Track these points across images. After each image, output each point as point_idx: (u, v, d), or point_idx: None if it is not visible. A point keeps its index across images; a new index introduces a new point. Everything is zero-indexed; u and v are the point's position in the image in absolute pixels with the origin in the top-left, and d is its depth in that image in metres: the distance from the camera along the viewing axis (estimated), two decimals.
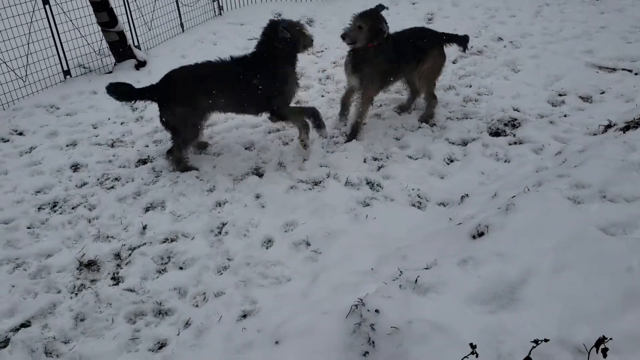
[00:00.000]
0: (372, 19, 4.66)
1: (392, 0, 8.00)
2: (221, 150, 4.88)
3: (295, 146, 4.85)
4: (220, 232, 3.98)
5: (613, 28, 6.93)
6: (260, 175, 4.57)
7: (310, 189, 4.37)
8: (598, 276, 2.70)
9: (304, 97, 5.69)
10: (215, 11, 7.56)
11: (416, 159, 4.73)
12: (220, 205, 4.25)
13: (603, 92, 5.52)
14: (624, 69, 5.93)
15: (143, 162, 4.81)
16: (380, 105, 5.46)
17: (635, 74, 5.85)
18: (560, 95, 5.51)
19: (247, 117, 5.31)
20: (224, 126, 5.20)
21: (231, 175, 4.56)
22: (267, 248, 3.80)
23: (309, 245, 3.77)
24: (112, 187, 4.49)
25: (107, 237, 3.98)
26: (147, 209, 4.25)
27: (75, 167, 4.77)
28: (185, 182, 4.49)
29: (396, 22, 7.30)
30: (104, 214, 4.18)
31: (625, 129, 4.15)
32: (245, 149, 4.91)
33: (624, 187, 3.27)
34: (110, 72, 6.18)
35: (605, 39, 6.62)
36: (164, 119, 4.50)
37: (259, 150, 4.89)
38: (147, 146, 5.01)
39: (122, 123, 5.35)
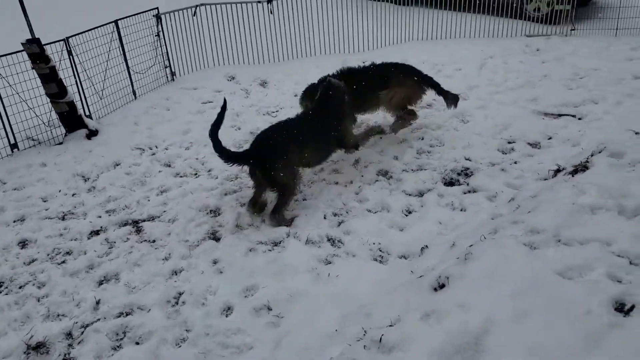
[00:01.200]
0: (313, 95, 5.32)
1: (344, 60, 8.21)
2: (176, 216, 4.78)
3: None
4: (177, 302, 3.84)
5: (554, 76, 7.25)
6: (217, 240, 4.48)
7: (270, 250, 4.30)
8: (558, 321, 2.69)
9: None
10: (167, 77, 7.61)
11: (375, 212, 4.73)
12: (176, 274, 4.12)
13: (550, 138, 5.71)
14: (567, 115, 6.17)
15: (96, 233, 4.67)
16: (337, 161, 5.49)
17: (579, 118, 6.09)
18: (509, 142, 5.67)
19: (202, 181, 5.26)
20: (178, 191, 5.13)
21: (187, 242, 4.46)
22: (226, 316, 3.68)
23: (271, 309, 3.66)
24: (63, 262, 4.32)
25: (58, 315, 3.79)
26: (100, 283, 4.09)
27: (23, 244, 4.58)
28: (140, 251, 4.36)
29: None
30: (54, 291, 4.00)
31: (574, 172, 4.27)
32: (201, 213, 4.83)
33: (576, 230, 3.33)
34: (61, 143, 6.07)
35: (548, 87, 6.92)
36: (273, 178, 4.57)
37: (215, 214, 4.81)
38: (100, 217, 4.88)
39: (73, 195, 5.22)
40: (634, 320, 2.66)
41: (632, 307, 2.77)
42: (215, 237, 4.54)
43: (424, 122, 6.18)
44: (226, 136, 6.07)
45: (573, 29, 8.98)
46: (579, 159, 4.48)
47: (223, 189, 5.14)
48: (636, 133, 5.05)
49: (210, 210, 4.88)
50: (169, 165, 5.65)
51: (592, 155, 4.32)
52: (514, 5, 9.69)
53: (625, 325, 2.65)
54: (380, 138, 5.78)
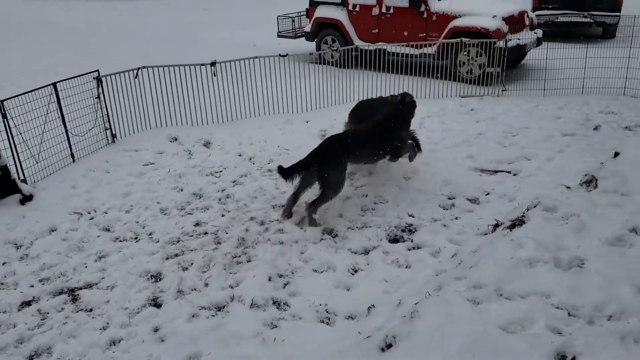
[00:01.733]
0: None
1: (287, 120, 8.34)
2: (115, 283, 4.59)
3: (196, 269, 4.70)
4: None
5: (489, 134, 7.58)
6: (159, 306, 4.31)
7: (214, 316, 4.17)
8: None
9: (202, 217, 5.59)
10: (108, 139, 7.47)
11: (321, 272, 4.70)
12: (114, 344, 3.91)
13: (488, 194, 5.91)
14: (503, 171, 6.43)
15: (27, 304, 4.41)
16: (281, 221, 5.47)
17: (514, 174, 6.35)
18: (449, 199, 5.83)
19: (142, 245, 5.11)
20: (117, 256, 4.94)
21: (127, 309, 4.27)
22: None
23: None
24: None
25: None
26: (30, 358, 3.82)
27: None
28: (76, 321, 4.14)
29: (292, 139, 7.60)
30: None
31: (512, 227, 4.40)
32: (141, 278, 4.65)
33: (516, 284, 3.40)
34: None
35: (484, 145, 7.22)
36: (328, 175, 5.34)
37: (156, 279, 4.65)
38: (33, 286, 4.61)
39: (3, 264, 4.94)
40: None
41: (573, 359, 2.82)
42: (156, 303, 4.37)
43: (368, 180, 6.28)
44: (167, 197, 5.98)
45: (504, 90, 9.50)
46: (516, 213, 4.64)
47: (164, 253, 5.00)
48: (567, 187, 5.29)
49: (151, 276, 4.71)
50: (108, 230, 5.46)
51: (527, 210, 4.48)
52: (449, 68, 10.20)
53: None
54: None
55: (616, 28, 13.74)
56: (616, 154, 5.70)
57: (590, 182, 5.01)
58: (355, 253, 4.95)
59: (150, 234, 5.36)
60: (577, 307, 3.22)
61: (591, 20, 13.63)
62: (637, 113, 8.21)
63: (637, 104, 8.67)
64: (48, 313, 4.28)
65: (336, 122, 8.25)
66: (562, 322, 3.10)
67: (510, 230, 4.30)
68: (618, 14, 13.42)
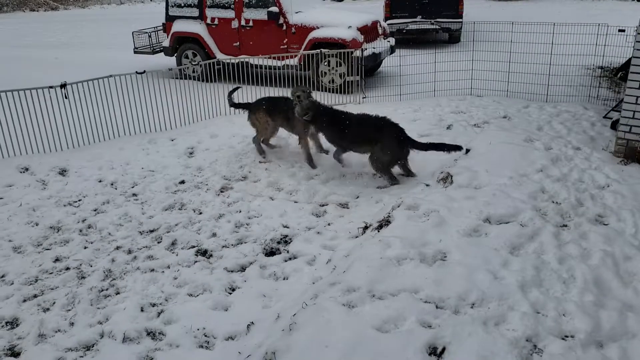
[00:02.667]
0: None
1: (151, 139, 8.01)
2: None
3: (59, 308, 4.33)
4: None
5: None
6: (17, 355, 3.89)
7: (82, 357, 3.85)
8: None
9: (62, 252, 5.16)
10: None
11: (197, 295, 4.53)
12: None
13: (357, 197, 6.10)
14: (367, 174, 6.68)
15: None
16: (151, 247, 5.21)
17: (380, 176, 6.62)
18: (321, 205, 5.93)
19: None
20: None
21: None
22: None
23: None
24: None
25: None
26: None
27: None
28: None
29: (157, 159, 7.31)
30: None
31: (379, 227, 4.58)
32: None
33: (387, 283, 3.53)
34: None
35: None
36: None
37: (12, 325, 4.21)
38: None
39: None
40: None
41: (443, 349, 2.98)
42: (13, 352, 3.94)
43: (240, 195, 6.20)
44: (21, 234, 5.46)
45: (364, 97, 9.91)
46: (382, 214, 4.83)
47: (21, 295, 4.54)
48: (427, 185, 5.63)
49: (6, 322, 4.25)
50: None
51: (392, 210, 4.69)
52: (312, 78, 10.44)
53: None
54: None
55: (460, 33, 14.97)
56: (467, 151, 6.17)
57: (446, 178, 5.37)
58: (232, 271, 4.85)
59: (2, 276, 4.84)
60: (444, 299, 3.41)
61: (438, 27, 14.72)
62: (483, 111, 8.96)
63: (482, 102, 9.46)
64: None
65: (203, 138, 8.10)
66: (431, 315, 3.27)
67: (378, 231, 4.47)
68: (460, 20, 14.63)
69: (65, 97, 7.57)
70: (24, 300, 4.51)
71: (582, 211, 4.80)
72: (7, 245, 5.29)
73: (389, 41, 11.66)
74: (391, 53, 11.50)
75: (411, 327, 3.15)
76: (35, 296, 4.56)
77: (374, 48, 10.78)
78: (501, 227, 4.35)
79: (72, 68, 12.32)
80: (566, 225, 4.56)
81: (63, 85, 7.53)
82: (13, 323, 4.26)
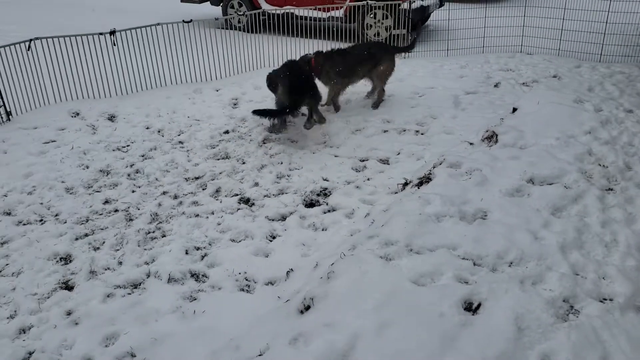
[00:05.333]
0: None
1: (196, 89, 8.12)
2: (21, 269, 4.35)
3: (109, 248, 4.55)
4: None
5: (398, 96, 7.76)
6: (70, 289, 4.14)
7: (130, 294, 4.07)
8: (417, 327, 2.85)
9: (112, 195, 5.38)
10: (2, 117, 6.96)
11: (239, 241, 4.69)
12: (24, 332, 3.73)
13: (398, 153, 6.09)
14: (411, 130, 6.64)
15: None
16: (196, 193, 5.38)
17: (422, 133, 6.57)
18: (362, 160, 5.96)
19: (49, 227, 4.86)
20: (22, 241, 4.67)
21: (35, 295, 4.07)
22: None
23: (134, 356, 3.45)
24: None
25: None
26: None
27: None
28: None
29: (202, 109, 7.43)
30: None
31: (419, 184, 4.59)
32: (50, 262, 4.45)
33: (425, 238, 3.57)
34: None
35: (393, 106, 7.38)
36: None
37: (66, 261, 4.47)
38: None
39: None
40: (481, 318, 2.90)
41: (479, 305, 3.03)
42: (67, 286, 4.19)
43: (282, 148, 6.28)
44: (73, 176, 5.70)
45: (410, 51, 9.72)
46: (423, 171, 4.83)
47: (73, 234, 4.78)
48: (470, 144, 5.56)
49: (61, 258, 4.51)
50: (9, 214, 5.14)
51: (434, 167, 4.68)
52: (357, 31, 10.27)
53: (474, 323, 2.88)
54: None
55: None
56: (514, 110, 6.04)
57: (491, 137, 5.29)
58: (273, 220, 4.97)
59: (56, 215, 5.10)
60: (482, 257, 3.44)
61: None
62: (533, 70, 8.70)
63: (532, 60, 9.17)
64: None
65: (248, 89, 8.16)
66: (468, 271, 3.31)
67: (419, 188, 4.48)
68: None
69: (114, 45, 7.70)
70: (76, 239, 4.75)
71: (629, 175, 4.68)
72: (60, 186, 5.54)
73: None
74: (440, 6, 11.18)
75: (447, 282, 3.20)
76: (86, 235, 4.80)
77: (422, 1, 10.49)
78: (544, 188, 4.30)
79: (118, 15, 12.44)
80: (612, 189, 4.47)
81: (112, 32, 7.65)
82: (67, 259, 4.51)
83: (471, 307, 3.02)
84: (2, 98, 6.94)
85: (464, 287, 3.16)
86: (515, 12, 9.48)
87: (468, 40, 9.64)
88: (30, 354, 3.55)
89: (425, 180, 4.53)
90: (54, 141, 6.51)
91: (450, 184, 4.29)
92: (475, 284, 3.20)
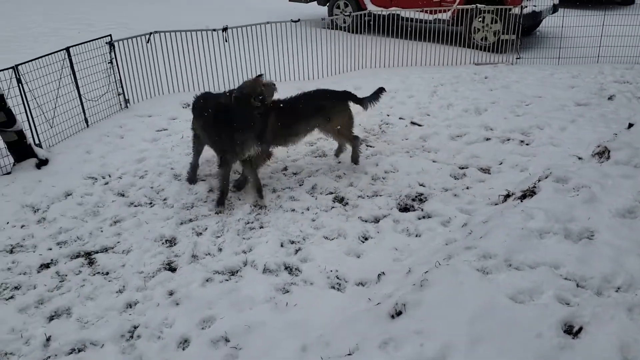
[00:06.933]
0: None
1: (298, 87, 8.30)
2: (130, 247, 4.69)
3: (210, 234, 4.79)
4: (132, 336, 3.74)
5: (502, 103, 7.54)
6: (173, 270, 4.41)
7: (227, 280, 4.26)
8: (511, 345, 2.77)
9: (215, 184, 5.65)
10: (121, 104, 7.51)
11: (332, 239, 4.76)
12: (131, 307, 4.02)
13: (501, 163, 5.91)
14: (515, 140, 6.42)
15: (46, 266, 4.52)
16: (293, 188, 5.52)
17: (527, 144, 6.33)
18: (461, 168, 5.84)
19: (157, 210, 5.19)
20: (132, 221, 5.03)
21: (142, 273, 4.37)
22: (183, 349, 3.61)
23: (228, 341, 3.62)
24: (12, 297, 4.15)
25: (6, 354, 3.62)
26: (51, 318, 3.94)
27: None
28: (93, 284, 4.25)
29: None
30: (1, 328, 3.83)
31: (522, 197, 4.43)
32: (156, 243, 4.75)
33: (526, 254, 3.45)
34: (9, 173, 5.87)
35: (497, 114, 7.18)
36: None
37: (171, 244, 4.75)
38: (51, 249, 4.72)
39: (22, 227, 5.04)
40: (582, 343, 2.77)
41: (580, 329, 2.89)
42: (171, 267, 4.46)
43: (378, 149, 6.29)
44: (181, 163, 6.03)
45: (518, 58, 9.38)
46: (527, 184, 4.66)
47: (178, 218, 5.08)
48: (579, 158, 5.29)
49: (166, 240, 4.81)
50: (123, 195, 5.55)
51: (539, 181, 4.50)
52: (462, 34, 10.06)
53: (575, 347, 2.76)
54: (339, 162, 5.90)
55: None
56: (630, 125, 5.66)
57: (602, 153, 5.00)
58: (366, 221, 5.01)
59: (164, 200, 5.44)
60: (586, 278, 3.27)
61: None
62: None
63: None
64: (66, 275, 4.39)
65: (347, 89, 8.23)
66: (570, 292, 3.16)
67: (521, 201, 4.33)
68: None
69: (226, 41, 8.06)
70: (181, 223, 5.04)
71: None
72: (169, 172, 5.89)
73: None
74: (553, 12, 10.69)
75: (547, 302, 3.07)
76: (190, 220, 5.07)
77: (534, 6, 10.09)
78: None
79: (228, 12, 12.97)
80: None
81: (224, 29, 8.01)
82: (171, 242, 4.79)
83: (572, 330, 2.89)
84: (122, 87, 7.48)
85: (565, 308, 3.03)
86: (636, 21, 8.87)
87: (582, 49, 9.15)
88: (135, 327, 3.82)
89: (529, 193, 4.37)
90: (166, 129, 6.92)
91: (555, 199, 4.11)
92: (578, 306, 3.05)
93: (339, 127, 5.75)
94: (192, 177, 5.68)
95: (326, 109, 5.68)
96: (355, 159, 5.98)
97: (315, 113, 5.65)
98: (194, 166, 5.70)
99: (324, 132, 5.88)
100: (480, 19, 9.97)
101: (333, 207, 5.23)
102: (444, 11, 10.11)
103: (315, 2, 12.62)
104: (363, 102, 5.94)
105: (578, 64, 9.15)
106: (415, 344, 2.88)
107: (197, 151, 5.68)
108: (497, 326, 2.90)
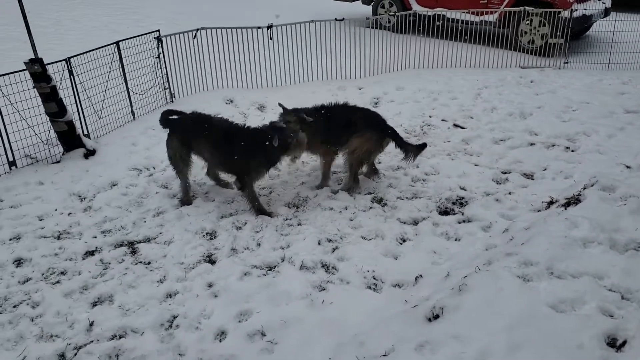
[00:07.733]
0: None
1: (340, 86, 8.33)
2: (172, 239, 4.79)
3: (250, 229, 4.85)
4: (171, 326, 3.83)
5: (548, 108, 7.38)
6: (213, 263, 4.49)
7: (265, 275, 4.32)
8: (551, 355, 2.73)
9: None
10: (167, 98, 7.67)
11: (370, 239, 4.76)
12: (171, 297, 4.12)
13: (545, 169, 5.79)
14: (560, 146, 6.28)
15: (91, 253, 4.67)
16: (331, 188, 5.54)
17: (572, 151, 6.19)
18: (504, 173, 5.75)
19: (199, 204, 5.28)
20: (175, 213, 5.14)
21: (182, 264, 4.47)
22: (220, 341, 3.67)
23: (264, 335, 3.67)
24: (58, 282, 4.31)
25: (51, 336, 3.77)
26: (94, 304, 4.08)
27: (18, 262, 4.56)
28: (135, 273, 4.36)
29: None
30: (48, 311, 3.98)
31: (566, 205, 4.34)
32: (197, 235, 4.84)
33: (569, 263, 3.38)
34: (59, 162, 6.08)
35: (542, 118, 7.04)
36: None
37: (211, 237, 4.83)
38: (96, 237, 4.88)
39: (69, 214, 5.22)
40: (626, 356, 2.70)
41: (624, 343, 2.82)
42: (210, 260, 4.55)
43: None
44: None
45: (566, 62, 9.16)
46: (572, 191, 4.56)
47: (219, 212, 5.17)
48: (627, 167, 5.14)
49: (207, 233, 4.90)
50: (166, 187, 5.67)
51: (584, 189, 4.40)
52: (509, 37, 9.88)
53: None
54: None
55: None
56: None
57: None
58: (404, 223, 4.98)
59: (206, 193, 5.54)
60: (632, 291, 3.18)
61: None
62: None
63: None
64: (109, 263, 4.52)
65: (390, 89, 8.20)
66: (614, 304, 3.08)
67: (565, 209, 4.24)
68: None
69: (270, 38, 8.13)
70: (222, 217, 5.12)
71: None
72: None
73: (603, 3, 10.51)
74: (604, 16, 10.38)
75: (590, 313, 3.00)
76: (231, 215, 5.15)
77: (585, 9, 9.81)
78: None
79: (278, 10, 13.07)
80: None
81: (269, 27, 8.08)
82: (212, 235, 4.88)
83: (615, 343, 2.82)
84: (168, 81, 7.64)
85: (608, 320, 2.95)
86: None
87: (633, 54, 8.87)
88: (174, 317, 3.91)
89: (573, 201, 4.27)
90: None
91: (601, 208, 4.00)
92: (622, 319, 2.97)
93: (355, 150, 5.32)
94: (188, 199, 5.36)
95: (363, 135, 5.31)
96: (344, 186, 5.53)
97: (352, 133, 5.35)
98: (187, 187, 5.36)
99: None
100: (527, 22, 9.77)
101: (371, 208, 5.22)
102: (491, 13, 9.95)
103: (360, 1, 12.59)
104: (403, 146, 5.40)
105: (629, 69, 8.88)
106: (453, 348, 2.86)
107: (186, 172, 5.32)
108: (537, 335, 2.86)
